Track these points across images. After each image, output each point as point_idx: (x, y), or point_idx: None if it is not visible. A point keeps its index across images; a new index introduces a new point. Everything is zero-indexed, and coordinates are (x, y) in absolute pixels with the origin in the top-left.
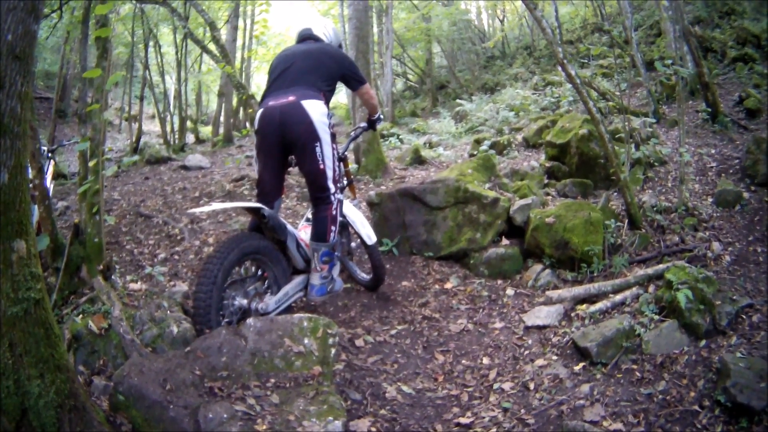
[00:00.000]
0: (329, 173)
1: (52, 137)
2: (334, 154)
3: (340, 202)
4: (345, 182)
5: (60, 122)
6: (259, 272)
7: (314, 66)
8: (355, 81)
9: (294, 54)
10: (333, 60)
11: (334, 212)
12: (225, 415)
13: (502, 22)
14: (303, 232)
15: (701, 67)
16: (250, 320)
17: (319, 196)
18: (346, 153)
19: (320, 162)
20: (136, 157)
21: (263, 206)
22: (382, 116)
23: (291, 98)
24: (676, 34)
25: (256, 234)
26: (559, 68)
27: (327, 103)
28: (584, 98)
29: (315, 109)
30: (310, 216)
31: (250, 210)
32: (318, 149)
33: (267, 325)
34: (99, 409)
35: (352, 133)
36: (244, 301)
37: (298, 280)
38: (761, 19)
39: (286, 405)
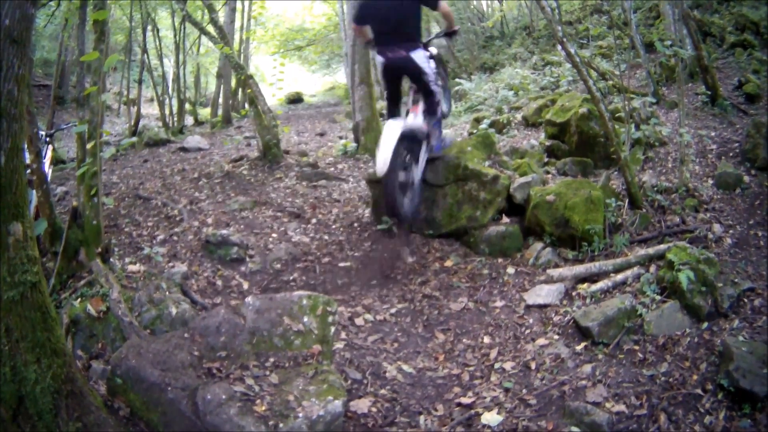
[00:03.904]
0: (432, 77)
1: (51, 123)
2: (431, 69)
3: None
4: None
5: (58, 109)
6: (408, 157)
7: (405, 18)
8: (433, 1)
9: (382, 7)
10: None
11: (438, 97)
12: (223, 396)
13: (500, 2)
14: (412, 115)
15: (700, 50)
16: (248, 299)
17: (427, 90)
18: (431, 49)
19: (427, 76)
20: (134, 139)
21: (408, 128)
22: (459, 29)
23: (402, 53)
24: (675, 17)
25: (408, 136)
26: (559, 47)
27: (426, 46)
28: (584, 77)
29: (420, 57)
30: (410, 103)
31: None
32: (424, 74)
33: (266, 304)
34: (97, 394)
35: (434, 34)
36: (406, 175)
37: (423, 149)
38: (760, 7)
39: (285, 385)
